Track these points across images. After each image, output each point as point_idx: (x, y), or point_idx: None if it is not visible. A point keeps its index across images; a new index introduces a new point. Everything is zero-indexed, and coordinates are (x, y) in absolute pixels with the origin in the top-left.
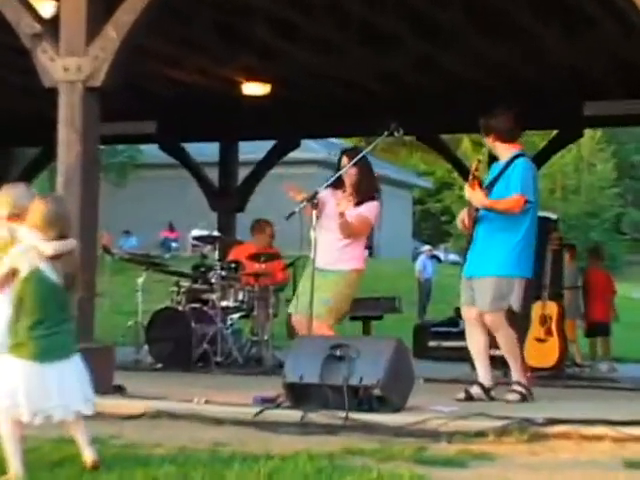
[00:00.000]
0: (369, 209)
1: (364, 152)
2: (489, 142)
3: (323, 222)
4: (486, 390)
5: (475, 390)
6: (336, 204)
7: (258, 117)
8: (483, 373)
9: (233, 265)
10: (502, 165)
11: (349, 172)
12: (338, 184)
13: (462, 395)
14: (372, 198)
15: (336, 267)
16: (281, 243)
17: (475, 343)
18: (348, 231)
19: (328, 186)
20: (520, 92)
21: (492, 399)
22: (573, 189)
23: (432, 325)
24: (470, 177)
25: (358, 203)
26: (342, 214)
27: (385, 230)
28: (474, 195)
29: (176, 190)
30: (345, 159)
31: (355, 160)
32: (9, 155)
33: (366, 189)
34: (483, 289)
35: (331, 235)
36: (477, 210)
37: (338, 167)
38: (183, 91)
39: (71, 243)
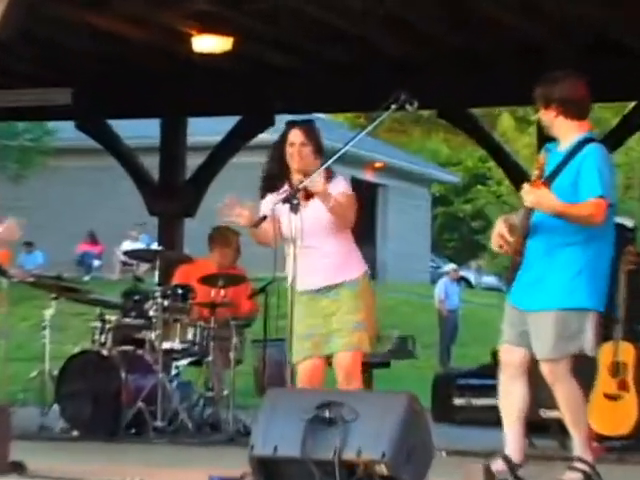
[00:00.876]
0: (339, 183)
1: (371, 126)
2: (548, 117)
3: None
4: (513, 467)
5: (498, 466)
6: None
7: (215, 84)
8: (513, 442)
9: (180, 291)
10: (564, 152)
11: (302, 150)
12: (272, 182)
13: (480, 471)
14: (331, 175)
15: (343, 277)
16: (247, 261)
17: (510, 400)
18: (342, 214)
19: (267, 191)
20: (582, 51)
21: None
22: None
23: (459, 375)
24: (536, 173)
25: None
26: (327, 195)
27: (393, 242)
28: (542, 196)
29: (100, 186)
30: (299, 133)
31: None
32: None
33: (324, 167)
34: (542, 328)
35: (312, 242)
36: (528, 218)
37: (280, 148)
38: (110, 47)
39: None
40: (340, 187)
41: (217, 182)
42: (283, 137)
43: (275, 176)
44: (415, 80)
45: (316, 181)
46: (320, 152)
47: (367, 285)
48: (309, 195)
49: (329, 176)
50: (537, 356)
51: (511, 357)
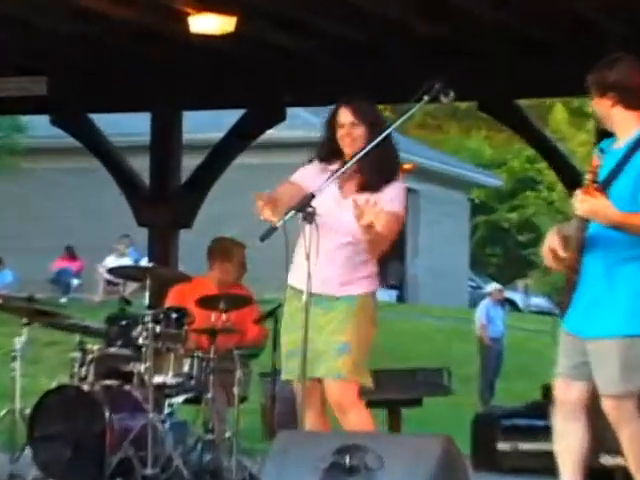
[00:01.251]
0: (397, 197)
1: (400, 121)
2: (603, 108)
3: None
4: None
5: None
6: (340, 194)
7: (215, 71)
8: None
9: (174, 315)
10: (623, 149)
11: (352, 132)
12: (327, 154)
13: None
14: (392, 175)
15: (345, 291)
16: (252, 280)
17: (567, 444)
18: (377, 247)
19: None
20: None
21: None
22: None
23: (503, 415)
24: (588, 177)
25: (370, 186)
26: (371, 227)
27: (425, 258)
28: (597, 204)
29: (80, 192)
30: (347, 113)
31: (390, 132)
32: None
33: (382, 161)
34: (605, 358)
35: (331, 241)
36: (584, 229)
37: (330, 128)
38: (92, 28)
39: None
40: (395, 204)
41: (218, 187)
42: (332, 117)
43: (325, 159)
44: (451, 66)
45: (366, 209)
46: (376, 132)
47: (372, 309)
48: (359, 188)
49: (379, 179)
50: (599, 391)
51: (567, 393)
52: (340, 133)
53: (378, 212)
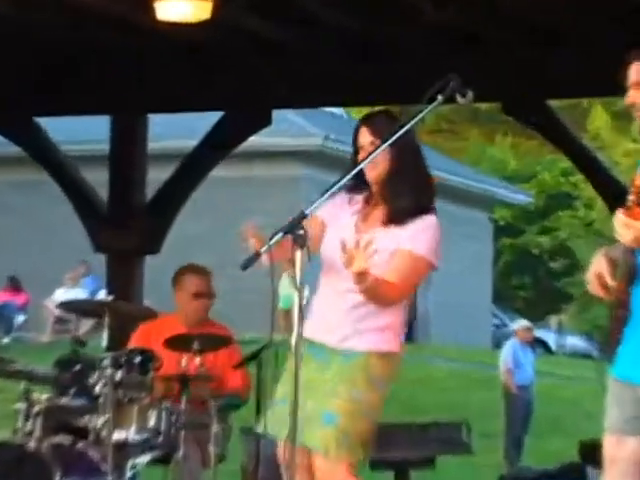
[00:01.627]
0: (422, 233)
1: (408, 126)
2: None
3: (323, 259)
4: None
5: None
6: (358, 229)
7: (187, 67)
8: None
9: (138, 359)
10: None
11: (376, 159)
12: (353, 182)
13: None
14: (424, 210)
15: (347, 345)
16: (230, 317)
17: None
18: (374, 298)
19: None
20: None
21: None
22: None
23: (533, 478)
24: (632, 198)
25: (396, 217)
26: (363, 274)
27: (439, 290)
28: None
29: (25, 211)
30: (366, 132)
31: (396, 136)
32: None
33: (411, 193)
34: None
35: (338, 284)
36: (634, 255)
37: (354, 150)
38: (41, 17)
39: None
40: (417, 243)
41: (190, 204)
42: (354, 139)
43: (352, 189)
44: (469, 59)
45: (356, 254)
46: (402, 154)
47: (380, 373)
48: (385, 220)
49: (405, 214)
50: None
51: (620, 450)
52: (360, 156)
53: (368, 255)
